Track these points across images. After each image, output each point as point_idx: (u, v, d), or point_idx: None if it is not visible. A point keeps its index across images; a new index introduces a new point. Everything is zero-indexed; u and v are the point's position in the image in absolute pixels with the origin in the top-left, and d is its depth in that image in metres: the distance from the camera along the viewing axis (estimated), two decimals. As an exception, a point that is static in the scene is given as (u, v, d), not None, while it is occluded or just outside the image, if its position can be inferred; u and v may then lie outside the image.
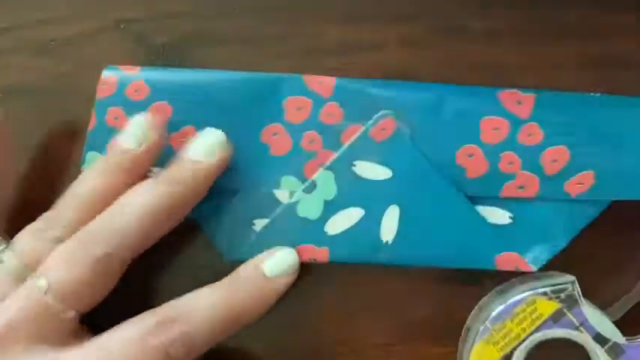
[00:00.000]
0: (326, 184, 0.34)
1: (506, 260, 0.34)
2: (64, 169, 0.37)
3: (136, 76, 0.35)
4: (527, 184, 0.34)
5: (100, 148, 0.34)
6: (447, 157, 0.34)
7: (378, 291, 0.36)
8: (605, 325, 0.33)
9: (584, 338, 0.33)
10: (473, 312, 0.35)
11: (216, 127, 0.34)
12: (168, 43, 0.37)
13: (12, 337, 0.29)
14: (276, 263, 0.34)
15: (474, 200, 0.34)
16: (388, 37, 0.36)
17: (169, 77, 0.35)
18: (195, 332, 0.31)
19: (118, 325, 0.31)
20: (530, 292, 0.33)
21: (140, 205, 0.31)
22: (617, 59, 0.35)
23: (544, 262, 0.34)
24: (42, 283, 0.30)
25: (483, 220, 0.34)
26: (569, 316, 0.33)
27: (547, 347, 0.34)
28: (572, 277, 0.33)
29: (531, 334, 0.33)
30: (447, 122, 0.34)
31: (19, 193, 0.37)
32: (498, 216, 0.34)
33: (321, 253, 0.35)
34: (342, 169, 0.34)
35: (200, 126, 0.34)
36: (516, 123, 0.33)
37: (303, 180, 0.35)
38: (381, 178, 0.34)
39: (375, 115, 0.34)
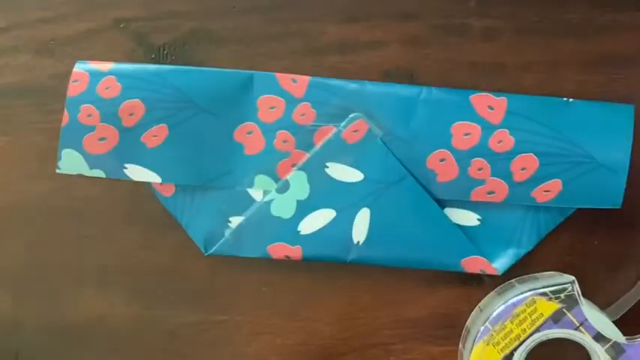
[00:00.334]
0: (299, 184, 0.35)
1: (472, 263, 0.35)
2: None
3: (107, 73, 0.35)
4: (496, 190, 0.34)
5: (75, 146, 0.34)
6: (418, 161, 0.34)
7: (378, 291, 0.36)
8: (605, 324, 0.33)
9: (584, 338, 0.33)
10: (473, 312, 0.35)
11: (190, 125, 0.34)
12: (168, 43, 0.37)
13: None
14: None
15: (444, 201, 0.35)
16: (388, 36, 0.36)
17: (141, 74, 0.35)
18: None
19: None
20: (530, 293, 0.33)
21: None
22: (618, 58, 0.35)
23: (509, 266, 0.35)
24: None
25: (452, 224, 0.35)
26: (569, 316, 0.33)
27: (547, 347, 0.34)
28: (571, 277, 0.33)
29: (531, 334, 0.33)
30: (420, 126, 0.34)
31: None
32: (467, 218, 0.35)
33: (294, 252, 0.35)
34: (314, 170, 0.34)
35: (174, 124, 0.34)
36: (488, 129, 0.33)
37: (277, 179, 0.35)
38: (353, 180, 0.34)
39: (348, 117, 0.34)
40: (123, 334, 0.38)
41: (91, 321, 0.38)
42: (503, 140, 0.33)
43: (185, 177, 0.35)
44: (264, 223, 0.35)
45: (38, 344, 0.38)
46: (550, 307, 0.33)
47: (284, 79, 0.34)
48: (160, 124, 0.34)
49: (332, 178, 0.34)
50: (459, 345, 0.35)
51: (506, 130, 0.33)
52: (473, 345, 0.33)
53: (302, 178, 0.35)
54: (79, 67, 0.35)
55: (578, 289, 0.33)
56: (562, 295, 0.33)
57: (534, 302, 0.33)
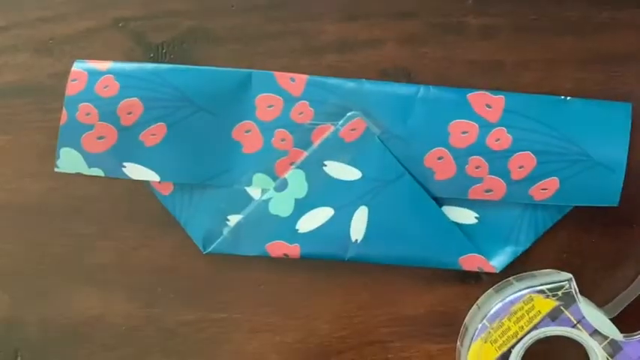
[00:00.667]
0: (297, 182, 0.35)
1: (470, 261, 0.35)
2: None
3: (105, 72, 0.35)
4: (494, 188, 0.34)
5: (73, 144, 0.34)
6: (416, 159, 0.34)
7: (376, 289, 0.37)
8: (602, 322, 0.33)
9: (581, 335, 0.33)
10: (471, 310, 0.35)
11: (189, 123, 0.34)
12: (167, 42, 0.37)
13: None
14: None
15: (442, 199, 0.35)
16: (386, 34, 0.36)
17: (140, 73, 0.35)
18: None
19: None
20: (528, 290, 0.33)
21: None
22: (616, 56, 0.35)
23: (506, 264, 0.35)
24: None
25: (449, 222, 0.35)
26: (567, 313, 0.33)
27: (545, 345, 0.34)
28: (568, 275, 0.33)
29: (529, 332, 0.33)
30: (417, 124, 0.34)
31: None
32: (464, 216, 0.35)
33: (292, 250, 0.35)
34: (312, 169, 0.35)
35: (172, 123, 0.34)
36: (485, 127, 0.33)
37: (275, 178, 0.35)
38: (351, 178, 0.34)
39: (345, 116, 0.34)
40: (122, 332, 0.38)
41: (91, 319, 0.38)
42: (500, 138, 0.33)
43: (183, 175, 0.35)
44: (262, 222, 0.35)
45: (38, 342, 0.38)
46: (547, 304, 0.33)
47: (282, 78, 0.35)
48: (159, 123, 0.34)
49: (330, 176, 0.34)
50: (456, 343, 0.35)
51: (503, 128, 0.33)
52: (470, 343, 0.33)
53: (300, 176, 0.35)
54: (78, 66, 0.35)
55: (576, 286, 0.33)
56: (559, 293, 0.33)
57: (532, 300, 0.33)
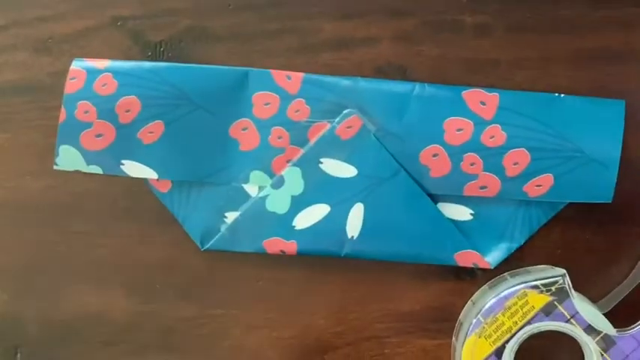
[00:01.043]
0: (294, 179, 0.35)
1: (465, 257, 0.35)
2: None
3: (104, 70, 0.35)
4: (488, 185, 0.34)
5: (72, 142, 0.35)
6: (411, 156, 0.34)
7: (372, 285, 0.37)
8: (596, 317, 0.33)
9: (575, 330, 0.33)
10: (466, 306, 0.35)
11: (186, 121, 0.34)
12: (164, 40, 0.37)
13: None
14: None
15: (437, 196, 0.35)
16: (382, 32, 0.36)
17: (138, 71, 0.35)
18: None
19: None
20: (522, 286, 0.33)
21: None
22: (610, 54, 0.35)
23: (501, 260, 0.35)
24: None
25: (445, 219, 0.35)
26: (560, 308, 0.33)
27: (539, 339, 0.34)
28: (562, 270, 0.34)
29: (523, 326, 0.33)
30: (413, 122, 0.34)
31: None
32: (460, 212, 0.35)
33: (289, 246, 0.35)
34: (309, 166, 0.35)
35: (170, 121, 0.35)
36: (480, 124, 0.34)
37: (272, 175, 0.35)
38: (347, 175, 0.35)
39: (341, 113, 0.34)
40: (121, 328, 0.38)
41: (90, 315, 0.38)
42: (495, 135, 0.34)
43: (181, 173, 0.35)
44: (259, 219, 0.35)
45: (37, 339, 0.38)
46: (541, 299, 0.33)
47: (279, 76, 0.35)
48: (156, 121, 0.35)
49: (326, 173, 0.35)
50: (452, 338, 0.36)
51: (498, 125, 0.34)
52: (465, 338, 0.34)
53: (296, 173, 0.35)
54: (76, 65, 0.35)
55: (569, 282, 0.33)
56: (553, 288, 0.33)
57: (526, 295, 0.33)
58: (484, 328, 0.33)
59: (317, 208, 0.35)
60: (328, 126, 0.35)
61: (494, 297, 0.33)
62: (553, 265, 0.35)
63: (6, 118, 0.38)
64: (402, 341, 0.37)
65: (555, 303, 0.33)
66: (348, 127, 0.34)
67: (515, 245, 0.35)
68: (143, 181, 0.36)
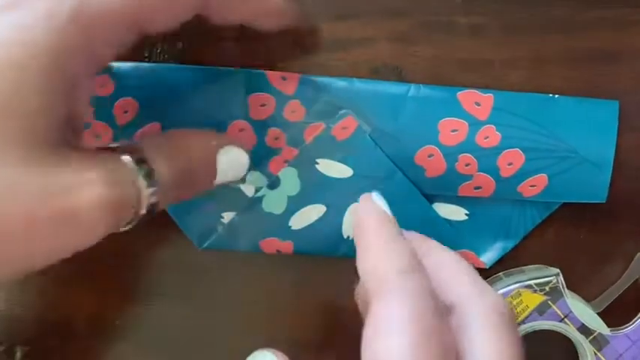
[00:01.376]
0: (290, 180, 0.35)
1: None
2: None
3: (101, 71, 0.35)
4: (483, 185, 0.34)
5: None
6: (406, 157, 0.34)
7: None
8: (589, 316, 0.34)
9: (569, 330, 0.34)
10: (460, 304, 0.36)
11: (183, 123, 0.34)
12: (162, 42, 0.37)
13: None
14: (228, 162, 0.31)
15: (432, 196, 0.35)
16: (377, 33, 0.36)
17: (135, 72, 0.35)
18: None
19: None
20: (516, 285, 0.34)
21: None
22: (604, 54, 0.35)
23: (496, 259, 0.36)
24: None
25: (440, 219, 0.35)
26: (554, 308, 0.34)
27: (533, 338, 0.34)
28: (556, 270, 0.34)
29: (518, 325, 0.34)
30: (408, 122, 0.34)
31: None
32: (455, 212, 0.35)
33: (285, 246, 0.36)
34: (305, 167, 0.35)
35: (166, 122, 0.35)
36: (475, 125, 0.34)
37: (268, 175, 0.35)
38: (343, 176, 0.35)
39: (337, 114, 0.35)
40: (118, 328, 0.38)
41: (87, 315, 0.38)
42: (489, 136, 0.34)
43: None
44: (255, 219, 0.36)
45: (36, 338, 0.38)
46: (535, 299, 0.33)
47: (274, 77, 0.35)
48: (153, 122, 0.35)
49: (322, 174, 0.35)
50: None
51: (492, 126, 0.34)
52: (460, 337, 0.34)
53: (293, 174, 0.35)
54: None
55: (563, 281, 0.33)
56: (547, 288, 0.33)
57: (520, 294, 0.33)
58: (478, 327, 0.34)
59: (313, 209, 0.35)
60: (324, 126, 0.35)
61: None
62: (548, 264, 0.35)
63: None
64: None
65: (549, 302, 0.33)
66: (344, 128, 0.34)
67: (510, 245, 0.35)
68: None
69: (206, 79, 0.35)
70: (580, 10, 0.35)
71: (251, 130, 0.35)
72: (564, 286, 0.33)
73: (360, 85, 0.35)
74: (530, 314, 0.34)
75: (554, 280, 0.33)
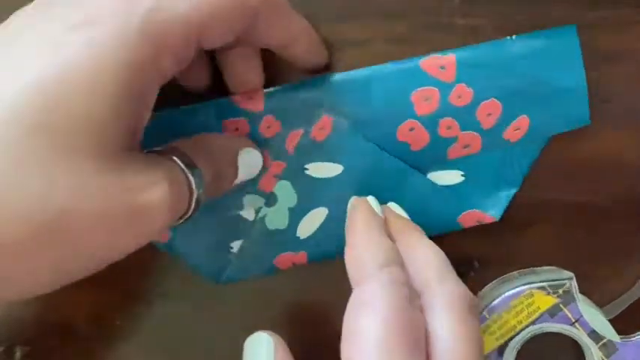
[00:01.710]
0: (285, 193, 0.35)
1: (468, 218, 0.35)
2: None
3: None
4: (470, 143, 0.34)
5: None
6: (389, 137, 0.34)
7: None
8: (600, 322, 0.33)
9: (578, 334, 0.34)
10: (471, 301, 0.35)
11: None
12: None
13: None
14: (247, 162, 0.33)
15: (425, 169, 0.35)
16: (374, 34, 0.36)
17: None
18: None
19: None
20: (529, 286, 0.33)
21: None
22: (602, 55, 0.35)
23: (503, 210, 0.35)
24: None
25: (438, 187, 0.35)
26: (565, 311, 0.33)
27: (542, 341, 0.34)
28: (570, 274, 0.34)
29: (527, 326, 0.33)
30: (380, 104, 0.34)
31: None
32: (451, 177, 0.35)
33: (299, 257, 0.36)
34: (296, 176, 0.35)
35: None
36: (445, 88, 0.34)
37: (263, 195, 0.35)
38: (334, 174, 0.34)
39: (312, 116, 0.34)
40: (120, 329, 0.38)
41: (88, 315, 0.38)
42: (462, 95, 0.34)
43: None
44: (264, 240, 0.35)
45: (35, 338, 0.38)
46: (547, 301, 0.33)
47: (240, 99, 0.34)
48: None
49: (314, 178, 0.35)
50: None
51: (462, 84, 0.34)
52: (469, 333, 0.34)
53: (286, 186, 0.35)
54: None
55: (576, 285, 0.33)
56: (560, 291, 0.33)
57: (532, 295, 0.33)
58: (489, 325, 0.34)
59: (315, 214, 0.35)
60: (302, 132, 0.34)
61: (500, 295, 0.34)
62: (561, 267, 0.35)
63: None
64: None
65: (561, 305, 0.33)
66: (321, 129, 0.34)
67: (512, 191, 0.35)
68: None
69: (180, 120, 0.34)
70: (578, 11, 0.35)
71: None
72: (577, 290, 0.33)
73: (324, 80, 0.34)
74: (540, 315, 0.33)
75: (568, 284, 0.33)
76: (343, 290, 0.36)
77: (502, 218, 0.35)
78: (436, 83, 0.34)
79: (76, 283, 0.36)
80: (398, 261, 0.29)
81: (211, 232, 0.36)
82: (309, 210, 0.35)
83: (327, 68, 0.35)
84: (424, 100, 0.34)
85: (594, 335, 0.33)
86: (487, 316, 0.33)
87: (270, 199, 0.35)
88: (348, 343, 0.27)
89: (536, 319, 0.33)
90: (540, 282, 0.33)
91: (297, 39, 0.32)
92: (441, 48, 0.35)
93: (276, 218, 0.35)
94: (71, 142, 0.23)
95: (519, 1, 0.35)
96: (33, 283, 0.26)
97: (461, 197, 0.35)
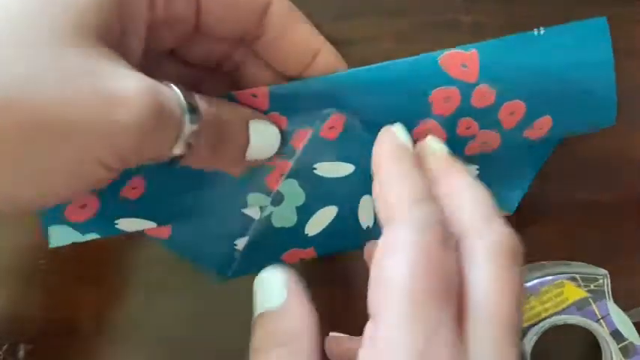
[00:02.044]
0: (292, 192, 0.33)
1: None
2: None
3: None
4: (488, 140, 0.33)
5: (59, 221, 0.32)
6: None
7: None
8: (625, 324, 0.33)
9: (601, 332, 0.33)
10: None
11: (166, 169, 0.30)
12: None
13: None
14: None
15: None
16: (380, 32, 0.35)
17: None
18: None
19: None
20: (562, 276, 0.33)
21: None
22: (615, 51, 0.34)
23: (516, 205, 0.34)
24: None
25: None
26: (594, 307, 0.33)
27: (559, 331, 0.34)
28: (604, 271, 0.33)
29: (552, 315, 0.33)
30: (396, 103, 0.31)
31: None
32: None
33: (307, 253, 0.35)
34: (304, 175, 0.33)
35: (149, 173, 0.32)
36: (466, 88, 0.31)
37: (269, 193, 0.33)
38: (345, 174, 0.33)
39: (321, 115, 0.32)
40: (122, 327, 0.37)
41: (90, 314, 0.37)
42: (484, 95, 0.31)
43: (179, 216, 0.33)
44: (270, 238, 0.34)
45: (39, 337, 0.37)
46: (577, 293, 0.33)
47: (244, 96, 0.32)
48: (136, 176, 0.32)
49: (323, 177, 0.33)
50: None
51: (484, 84, 0.31)
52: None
53: (293, 185, 0.33)
54: None
55: (609, 283, 0.33)
56: (592, 285, 0.33)
57: (563, 285, 0.33)
58: (515, 307, 0.33)
59: (325, 212, 0.34)
60: (311, 131, 0.32)
61: (532, 279, 0.33)
62: (596, 264, 0.35)
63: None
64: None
65: (590, 300, 0.33)
66: (331, 128, 0.32)
67: (526, 186, 0.34)
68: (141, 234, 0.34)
69: None
70: (583, 9, 0.34)
71: None
72: (609, 287, 0.33)
73: (335, 77, 0.31)
74: (568, 307, 0.33)
75: (601, 280, 0.33)
76: (353, 283, 0.36)
77: (514, 214, 0.35)
78: (457, 83, 0.31)
79: (79, 282, 0.37)
80: (430, 196, 0.26)
81: (214, 229, 0.34)
82: (317, 209, 0.34)
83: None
84: (444, 101, 0.31)
85: (617, 335, 0.33)
86: (516, 298, 0.33)
87: (276, 198, 0.33)
88: (374, 290, 0.24)
89: (563, 309, 0.33)
90: (573, 273, 0.33)
91: (316, 55, 0.31)
92: (446, 45, 0.33)
93: (283, 217, 0.34)
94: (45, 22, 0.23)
95: None
96: (8, 188, 0.23)
97: None
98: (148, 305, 0.37)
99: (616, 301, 0.34)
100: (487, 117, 0.32)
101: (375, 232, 0.33)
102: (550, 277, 0.33)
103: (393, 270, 0.23)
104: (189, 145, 0.26)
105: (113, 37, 0.25)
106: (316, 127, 0.32)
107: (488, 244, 0.24)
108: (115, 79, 0.23)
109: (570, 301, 0.33)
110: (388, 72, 0.31)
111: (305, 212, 0.34)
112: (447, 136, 0.32)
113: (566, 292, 0.33)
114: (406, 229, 0.24)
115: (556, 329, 0.34)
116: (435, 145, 0.29)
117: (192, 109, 0.26)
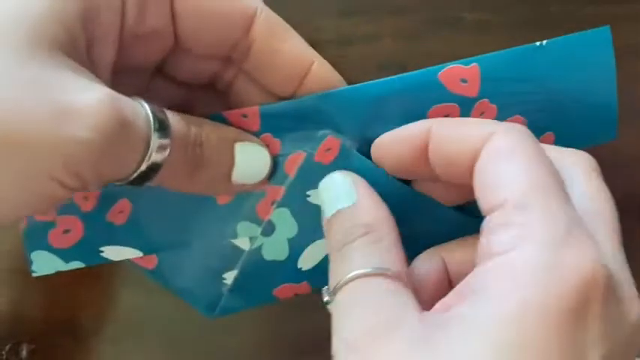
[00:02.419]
0: (284, 222, 0.32)
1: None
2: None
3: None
4: None
5: (42, 246, 0.31)
6: None
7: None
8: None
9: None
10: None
11: (152, 192, 0.30)
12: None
13: None
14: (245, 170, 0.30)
15: None
16: (383, 29, 0.36)
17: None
18: None
19: None
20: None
21: None
22: (618, 50, 0.33)
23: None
24: None
25: (451, 210, 0.32)
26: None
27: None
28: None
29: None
30: (394, 122, 0.30)
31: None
32: None
33: (302, 288, 0.33)
34: (296, 203, 0.31)
35: (135, 197, 0.31)
36: (466, 104, 0.31)
37: (259, 222, 0.32)
38: None
39: (316, 137, 0.31)
40: (124, 326, 0.37)
41: (93, 312, 0.38)
42: (485, 111, 0.31)
43: (164, 244, 0.32)
44: (260, 271, 0.32)
45: (42, 337, 0.38)
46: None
47: (234, 117, 0.31)
48: (121, 199, 0.32)
49: (317, 206, 0.31)
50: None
51: (485, 99, 0.31)
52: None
53: (285, 214, 0.32)
54: None
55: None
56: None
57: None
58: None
59: (319, 245, 0.32)
60: (305, 155, 0.31)
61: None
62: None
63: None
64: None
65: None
66: (327, 150, 0.31)
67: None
68: (126, 262, 0.33)
69: None
70: (582, 6, 0.35)
71: None
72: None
73: (329, 96, 0.31)
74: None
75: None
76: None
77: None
78: (456, 99, 0.31)
79: (81, 282, 0.37)
80: None
81: (202, 261, 0.33)
82: (311, 241, 0.32)
83: (334, 65, 0.33)
84: (443, 117, 0.31)
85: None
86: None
87: (267, 228, 0.32)
88: (487, 193, 0.25)
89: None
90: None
91: (309, 70, 0.30)
92: (449, 43, 0.34)
93: (274, 249, 0.32)
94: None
95: (524, -3, 0.35)
96: None
97: (473, 214, 0.31)
98: (148, 305, 0.36)
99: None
100: None
101: None
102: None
103: (515, 169, 0.24)
104: (156, 165, 0.25)
105: (77, 48, 0.24)
106: (310, 150, 0.31)
107: (582, 165, 0.26)
108: (71, 91, 0.22)
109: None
110: (386, 88, 0.30)
111: (298, 245, 0.32)
112: None
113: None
114: (514, 135, 0.25)
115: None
116: None
117: (162, 126, 0.25)
